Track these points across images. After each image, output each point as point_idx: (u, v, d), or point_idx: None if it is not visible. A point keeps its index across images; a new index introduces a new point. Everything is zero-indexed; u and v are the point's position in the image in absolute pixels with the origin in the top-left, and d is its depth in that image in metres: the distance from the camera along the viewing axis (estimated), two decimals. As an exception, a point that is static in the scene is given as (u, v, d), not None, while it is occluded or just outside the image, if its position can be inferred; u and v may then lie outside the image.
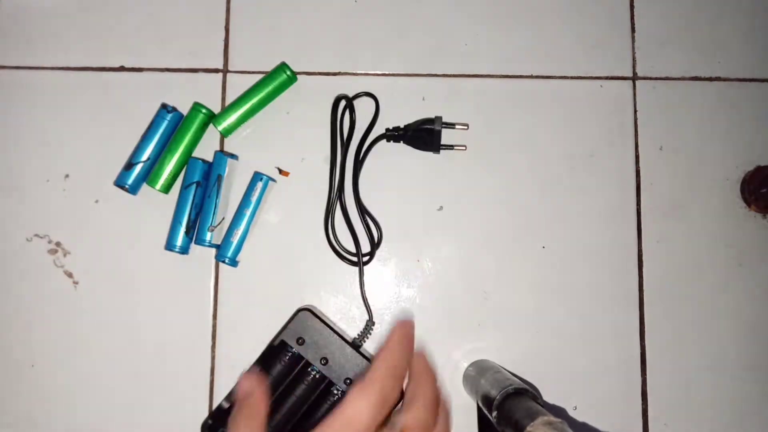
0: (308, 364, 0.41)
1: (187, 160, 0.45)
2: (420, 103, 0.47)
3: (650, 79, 0.49)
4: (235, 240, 0.44)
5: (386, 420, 0.33)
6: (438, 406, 0.35)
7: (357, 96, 0.47)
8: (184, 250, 0.45)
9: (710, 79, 0.49)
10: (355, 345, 0.42)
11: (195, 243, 0.45)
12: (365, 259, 0.46)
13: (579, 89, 0.48)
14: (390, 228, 0.47)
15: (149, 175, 0.45)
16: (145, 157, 0.45)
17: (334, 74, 0.48)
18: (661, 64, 0.49)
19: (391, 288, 0.46)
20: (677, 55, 0.49)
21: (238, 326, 0.46)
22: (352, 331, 0.46)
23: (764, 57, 0.49)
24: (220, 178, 0.45)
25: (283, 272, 0.46)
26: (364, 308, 0.45)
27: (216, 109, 0.47)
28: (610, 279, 0.47)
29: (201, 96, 0.47)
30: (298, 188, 0.47)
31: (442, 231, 0.47)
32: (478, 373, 0.43)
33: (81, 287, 0.46)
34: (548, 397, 0.45)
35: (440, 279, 0.46)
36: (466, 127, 0.47)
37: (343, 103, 0.47)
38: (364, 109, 0.47)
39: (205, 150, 0.47)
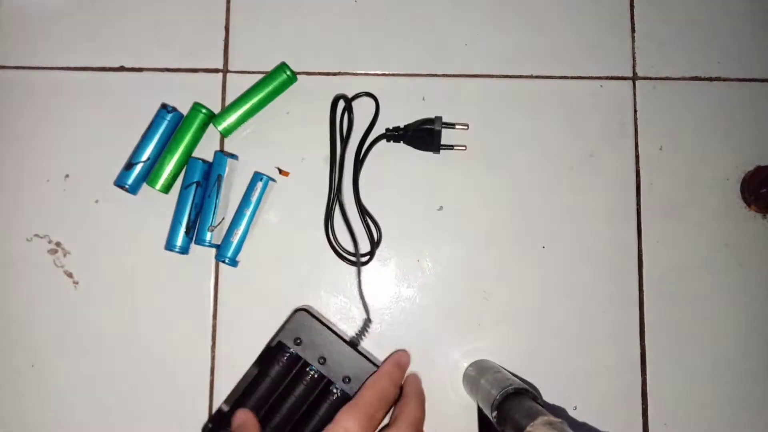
0: (306, 364, 0.41)
1: (187, 160, 0.45)
2: (420, 103, 0.47)
3: (650, 79, 0.49)
4: (235, 240, 0.44)
5: None
6: (421, 426, 0.38)
7: (357, 96, 0.47)
8: (184, 250, 0.45)
9: (710, 79, 0.49)
10: (353, 343, 0.42)
11: (195, 243, 0.45)
12: (365, 258, 0.46)
13: (579, 89, 0.48)
14: (390, 228, 0.47)
15: (149, 175, 0.45)
16: (145, 157, 0.45)
17: (334, 74, 0.48)
18: (661, 64, 0.49)
19: (391, 288, 0.46)
20: (677, 55, 0.49)
21: (238, 326, 0.46)
22: (351, 332, 0.46)
23: (764, 57, 0.49)
24: (220, 178, 0.45)
25: (283, 272, 0.46)
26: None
27: (216, 109, 0.47)
28: (610, 279, 0.47)
29: (201, 96, 0.47)
30: (298, 188, 0.47)
31: (442, 231, 0.47)
32: (478, 373, 0.43)
33: (81, 287, 0.46)
34: (548, 397, 0.45)
35: (440, 279, 0.46)
36: (466, 127, 0.47)
37: (342, 103, 0.47)
38: (365, 110, 0.47)
39: (205, 150, 0.47)
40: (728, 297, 0.47)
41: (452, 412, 0.45)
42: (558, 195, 0.47)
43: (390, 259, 0.47)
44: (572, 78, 0.48)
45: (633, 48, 0.49)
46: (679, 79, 0.49)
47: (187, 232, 0.44)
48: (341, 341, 0.41)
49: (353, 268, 0.46)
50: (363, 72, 0.48)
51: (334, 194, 0.46)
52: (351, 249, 0.46)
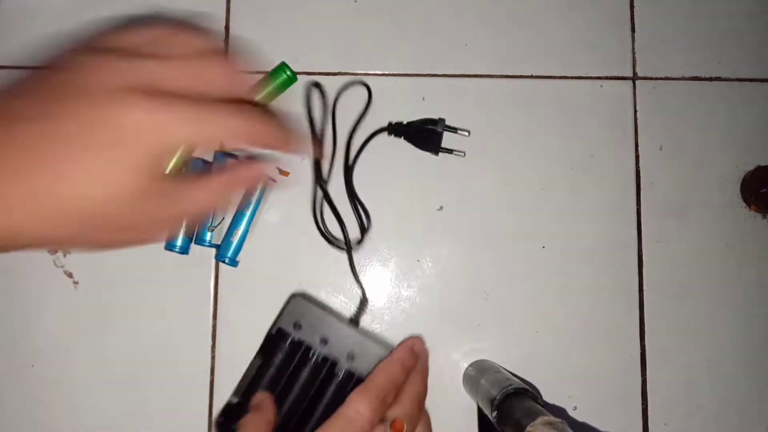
0: (309, 348, 0.41)
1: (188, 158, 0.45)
2: (420, 103, 0.47)
3: (650, 79, 0.49)
4: (235, 240, 0.44)
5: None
6: (423, 401, 0.38)
7: (350, 85, 0.47)
8: (184, 250, 0.45)
9: (710, 79, 0.49)
10: (352, 322, 0.43)
11: (195, 243, 0.45)
12: (355, 243, 0.46)
13: (579, 89, 0.48)
14: (390, 228, 0.47)
15: (149, 175, 0.45)
16: (145, 157, 0.45)
17: (334, 74, 0.48)
18: (661, 64, 0.49)
19: (391, 288, 0.46)
20: (677, 55, 0.49)
21: (238, 326, 0.46)
22: (349, 314, 0.46)
23: (764, 57, 0.49)
24: (220, 178, 0.45)
25: (283, 272, 0.46)
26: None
27: (216, 109, 0.47)
28: (610, 279, 0.47)
29: (201, 96, 0.47)
30: (298, 188, 0.47)
31: (442, 231, 0.47)
32: (478, 373, 0.43)
33: (81, 287, 0.46)
34: (548, 397, 0.45)
35: (440, 279, 0.46)
36: (467, 134, 0.46)
37: (312, 89, 0.47)
38: (362, 101, 0.47)
39: (205, 150, 0.47)
40: (728, 297, 0.47)
41: (452, 412, 0.45)
42: (558, 195, 0.47)
43: (390, 259, 0.47)
44: (572, 78, 0.48)
45: (633, 48, 0.49)
46: (679, 79, 0.49)
47: (187, 233, 0.44)
48: (340, 321, 0.41)
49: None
50: (363, 72, 0.48)
51: (316, 180, 0.46)
52: (354, 250, 0.46)
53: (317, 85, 0.47)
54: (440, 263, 0.47)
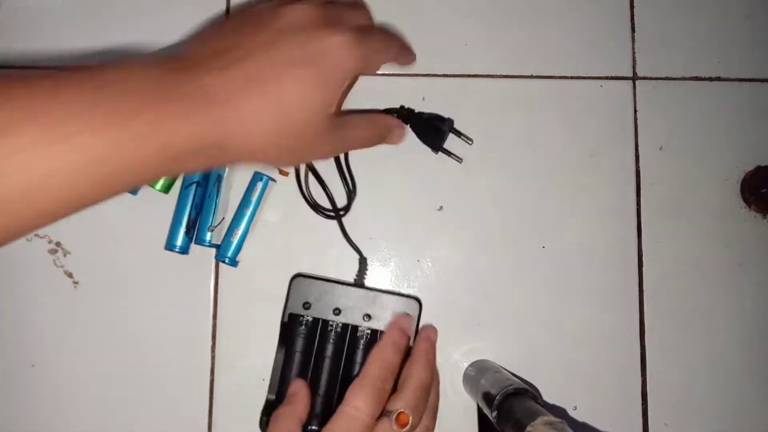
0: (325, 322, 0.41)
1: (187, 160, 0.45)
2: (420, 103, 0.47)
3: (650, 79, 0.49)
4: (235, 240, 0.44)
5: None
6: (428, 388, 0.38)
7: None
8: (184, 250, 0.45)
9: (710, 79, 0.49)
10: (358, 284, 0.43)
11: (195, 243, 0.45)
12: (342, 211, 0.46)
13: (579, 89, 0.48)
14: (390, 228, 0.47)
15: (149, 175, 0.45)
16: (145, 157, 0.45)
17: (334, 74, 0.48)
18: (661, 64, 0.49)
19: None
20: (677, 55, 0.49)
21: (238, 326, 0.46)
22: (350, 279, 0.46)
23: (764, 57, 0.49)
24: (220, 178, 0.45)
25: (283, 272, 0.46)
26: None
27: (216, 109, 0.47)
28: (610, 279, 0.47)
29: (201, 96, 0.47)
30: (298, 188, 0.47)
31: (442, 231, 0.47)
32: (478, 373, 0.43)
33: (81, 287, 0.46)
34: (548, 397, 0.45)
35: (440, 279, 0.46)
36: (470, 142, 0.46)
37: None
38: (360, 102, 0.47)
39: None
40: (728, 297, 0.47)
41: (452, 412, 0.45)
42: (558, 195, 0.47)
43: (390, 259, 0.47)
44: (572, 78, 0.48)
45: (633, 48, 0.49)
46: (679, 79, 0.49)
47: (187, 232, 0.44)
48: (346, 286, 0.42)
49: (354, 267, 0.46)
50: (363, 72, 0.48)
51: None
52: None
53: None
54: (440, 263, 0.47)
